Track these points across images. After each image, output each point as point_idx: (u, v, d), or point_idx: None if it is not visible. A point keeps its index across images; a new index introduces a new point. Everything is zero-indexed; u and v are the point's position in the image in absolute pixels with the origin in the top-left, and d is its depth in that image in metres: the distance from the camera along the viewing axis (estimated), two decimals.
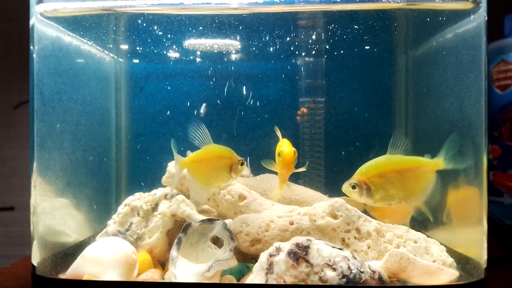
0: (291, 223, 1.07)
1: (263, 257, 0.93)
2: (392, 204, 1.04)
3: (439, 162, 1.03)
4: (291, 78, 1.44)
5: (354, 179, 1.05)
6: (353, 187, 1.04)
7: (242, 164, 1.07)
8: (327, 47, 1.37)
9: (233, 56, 1.41)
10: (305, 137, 1.40)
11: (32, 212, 1.05)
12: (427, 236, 1.06)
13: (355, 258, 0.89)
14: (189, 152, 1.10)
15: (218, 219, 1.08)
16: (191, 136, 1.08)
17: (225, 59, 1.41)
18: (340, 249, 0.91)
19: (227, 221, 1.09)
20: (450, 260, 1.01)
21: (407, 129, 1.42)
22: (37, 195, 1.05)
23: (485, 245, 0.97)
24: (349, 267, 0.87)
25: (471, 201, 1.05)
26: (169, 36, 1.33)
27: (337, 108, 1.40)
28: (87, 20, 1.19)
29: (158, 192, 1.19)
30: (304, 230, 1.05)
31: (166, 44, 1.38)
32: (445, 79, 1.15)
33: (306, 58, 1.41)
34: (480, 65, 1.00)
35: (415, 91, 1.37)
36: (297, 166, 1.09)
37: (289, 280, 0.87)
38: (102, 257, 0.98)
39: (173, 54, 1.41)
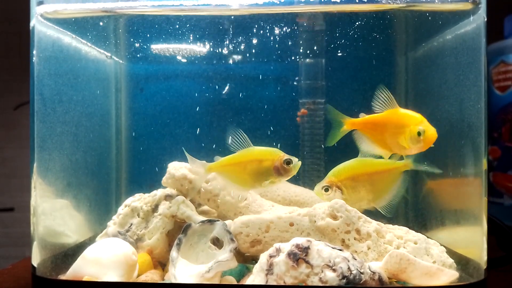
0: (291, 224, 1.07)
1: (263, 258, 0.93)
2: (362, 205, 1.07)
3: (409, 163, 1.06)
4: (291, 79, 1.44)
5: (326, 181, 1.06)
6: (326, 189, 1.05)
7: (288, 163, 1.02)
8: (327, 48, 1.37)
9: (233, 57, 1.41)
10: (305, 138, 1.40)
11: (32, 213, 1.05)
12: (427, 237, 1.06)
13: (355, 259, 0.89)
14: (217, 157, 1.09)
15: (218, 220, 1.07)
16: (231, 143, 1.06)
17: (225, 60, 1.41)
18: (340, 250, 0.91)
19: (227, 222, 1.09)
20: (450, 261, 1.01)
21: None
22: (37, 196, 1.05)
23: (485, 246, 0.97)
24: (349, 268, 0.87)
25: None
26: (169, 37, 1.34)
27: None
28: (88, 22, 1.19)
29: (158, 193, 1.19)
30: (304, 231, 1.06)
31: (166, 45, 1.38)
32: (445, 80, 1.15)
33: (306, 59, 1.41)
34: (480, 66, 1.00)
35: (415, 92, 1.37)
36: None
37: (289, 281, 0.87)
38: (102, 258, 0.98)
39: (173, 56, 1.41)
